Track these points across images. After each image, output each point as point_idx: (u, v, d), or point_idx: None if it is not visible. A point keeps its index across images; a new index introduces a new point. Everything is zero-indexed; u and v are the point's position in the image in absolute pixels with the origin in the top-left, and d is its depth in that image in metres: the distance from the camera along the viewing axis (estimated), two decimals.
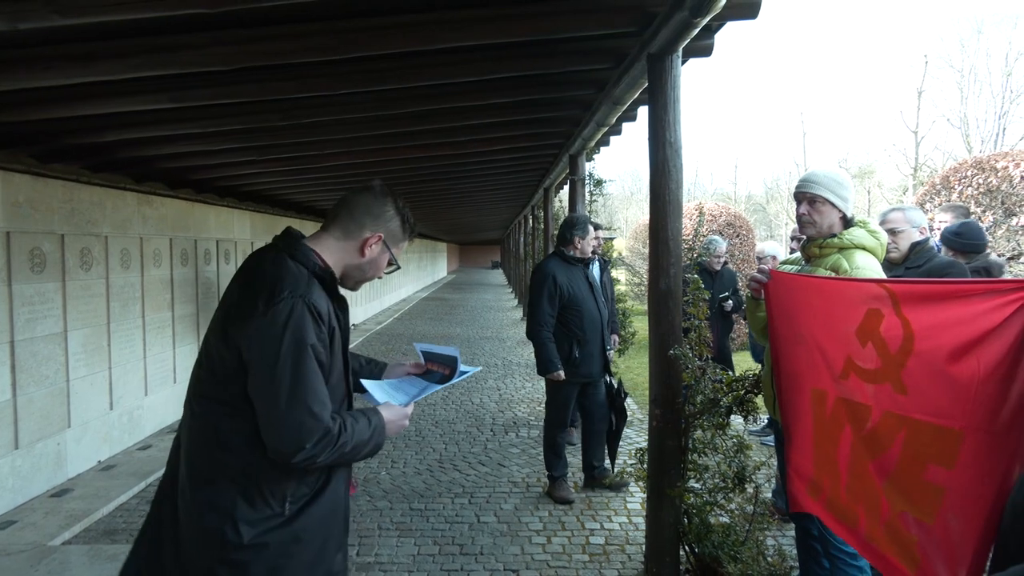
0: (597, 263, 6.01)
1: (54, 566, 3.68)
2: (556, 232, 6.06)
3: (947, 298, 1.66)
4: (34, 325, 4.74)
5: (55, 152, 4.59)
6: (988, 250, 4.14)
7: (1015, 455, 1.49)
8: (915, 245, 3.50)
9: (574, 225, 4.68)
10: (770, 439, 5.45)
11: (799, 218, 2.71)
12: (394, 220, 1.84)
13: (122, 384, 5.81)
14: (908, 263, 3.48)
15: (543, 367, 4.55)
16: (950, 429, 1.62)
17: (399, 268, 1.92)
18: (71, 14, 2.46)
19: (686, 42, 3.07)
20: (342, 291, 1.86)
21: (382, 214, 1.82)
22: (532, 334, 4.61)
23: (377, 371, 2.14)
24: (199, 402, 1.69)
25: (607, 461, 4.85)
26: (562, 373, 4.52)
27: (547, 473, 4.77)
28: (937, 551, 1.65)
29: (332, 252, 1.79)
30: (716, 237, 6.50)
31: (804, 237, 2.77)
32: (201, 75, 3.44)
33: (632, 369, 9.12)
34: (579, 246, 4.66)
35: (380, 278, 1.94)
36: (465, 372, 2.04)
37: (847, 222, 2.67)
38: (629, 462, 5.02)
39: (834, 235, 2.64)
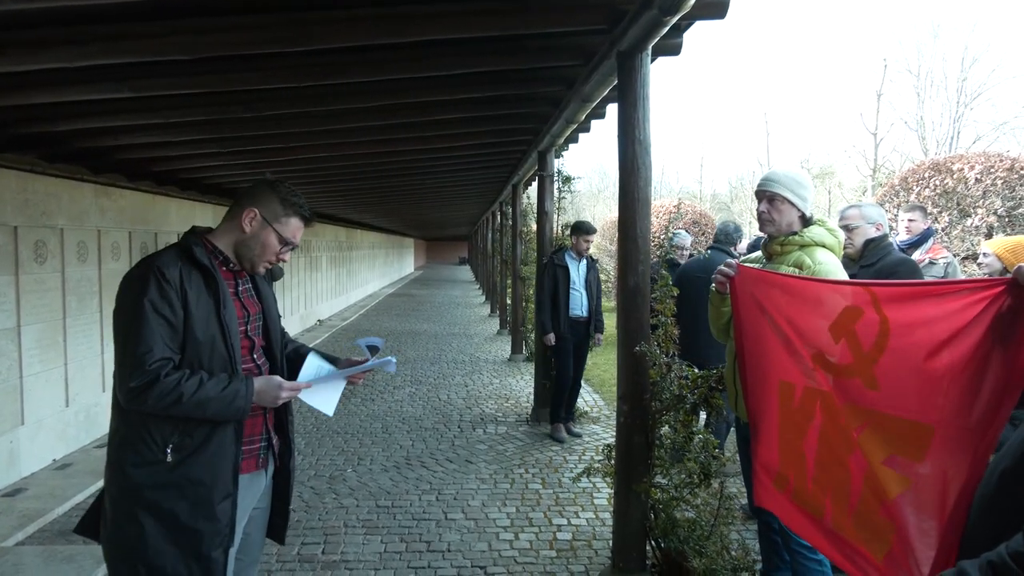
0: (584, 261, 6.04)
1: (7, 568, 3.56)
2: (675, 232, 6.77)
3: (923, 297, 1.71)
4: None
5: (7, 141, 4.43)
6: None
7: (988, 449, 1.53)
8: (869, 242, 3.51)
9: (736, 228, 5.73)
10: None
11: (759, 216, 2.76)
12: (271, 198, 2.04)
13: (79, 380, 5.64)
14: (862, 260, 3.50)
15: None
16: (922, 424, 1.67)
17: (294, 247, 2.09)
18: None
19: (656, 40, 3.09)
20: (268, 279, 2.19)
21: (259, 194, 2.05)
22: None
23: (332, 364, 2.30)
24: None
25: None
26: None
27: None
28: (907, 538, 1.69)
29: (222, 234, 2.04)
30: (681, 231, 6.72)
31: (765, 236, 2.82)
32: (161, 64, 3.34)
33: (599, 365, 9.18)
34: (738, 245, 5.54)
35: (282, 260, 2.10)
36: (379, 361, 2.19)
37: (806, 221, 2.71)
38: (596, 458, 5.07)
39: (794, 233, 2.68)
